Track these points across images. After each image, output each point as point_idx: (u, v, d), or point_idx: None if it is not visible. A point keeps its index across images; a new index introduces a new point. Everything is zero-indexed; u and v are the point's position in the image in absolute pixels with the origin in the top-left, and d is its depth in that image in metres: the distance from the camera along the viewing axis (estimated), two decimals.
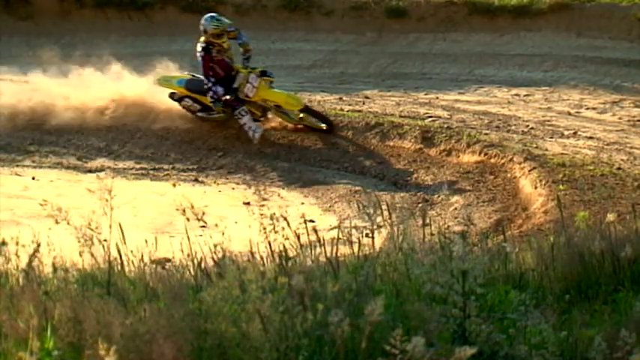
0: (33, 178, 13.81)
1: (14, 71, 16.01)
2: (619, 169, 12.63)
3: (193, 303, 5.17)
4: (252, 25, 17.15)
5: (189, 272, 5.79)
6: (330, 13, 18.01)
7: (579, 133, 13.93)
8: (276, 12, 18.14)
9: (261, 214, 5.74)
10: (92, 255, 5.69)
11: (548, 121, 14.39)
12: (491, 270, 6.04)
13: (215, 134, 14.77)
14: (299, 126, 14.43)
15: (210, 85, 14.18)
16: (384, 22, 17.77)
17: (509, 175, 12.70)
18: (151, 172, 14.23)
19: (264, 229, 5.73)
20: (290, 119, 14.38)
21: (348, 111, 14.82)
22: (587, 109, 14.79)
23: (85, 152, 14.77)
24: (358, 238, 6.16)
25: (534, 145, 13.40)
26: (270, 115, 14.54)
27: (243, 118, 14.25)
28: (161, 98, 14.91)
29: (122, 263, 5.82)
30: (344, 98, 15.38)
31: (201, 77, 14.33)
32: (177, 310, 5.12)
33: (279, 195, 13.06)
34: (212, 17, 14.42)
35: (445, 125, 14.09)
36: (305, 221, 6.17)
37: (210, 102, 14.34)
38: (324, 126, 14.28)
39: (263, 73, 14.40)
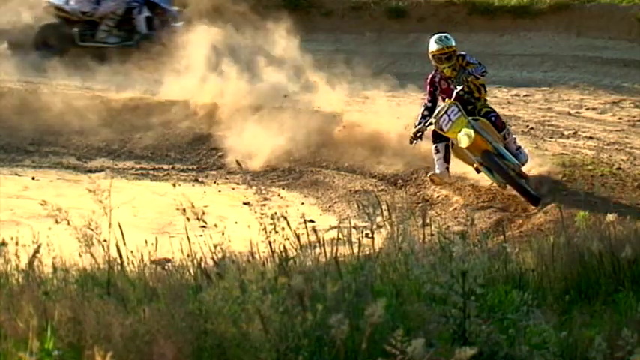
0: (33, 178, 13.81)
1: None
2: (619, 169, 12.63)
3: (193, 303, 5.17)
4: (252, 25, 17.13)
5: (189, 272, 5.79)
6: (330, 13, 18.02)
7: (579, 133, 13.93)
8: (277, 12, 18.13)
9: (262, 214, 5.74)
10: (92, 255, 5.69)
11: (548, 121, 14.40)
12: (491, 270, 6.04)
13: (215, 134, 14.77)
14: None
15: (421, 109, 12.28)
16: (384, 22, 17.78)
17: None
18: (151, 172, 14.23)
19: (264, 229, 5.73)
20: (494, 179, 12.06)
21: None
22: (587, 109, 14.79)
23: (85, 152, 14.77)
24: (358, 238, 6.16)
25: (534, 145, 13.40)
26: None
27: (435, 155, 12.26)
28: None
29: (122, 263, 5.82)
30: (344, 98, 15.37)
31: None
32: (177, 310, 5.12)
33: (279, 195, 13.06)
34: (437, 37, 12.33)
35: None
36: (305, 221, 6.16)
37: None
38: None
39: (486, 115, 12.13)
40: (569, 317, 5.83)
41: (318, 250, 6.00)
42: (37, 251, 5.68)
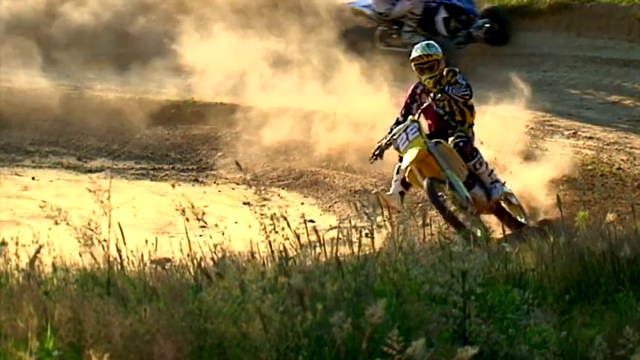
0: (33, 178, 13.82)
1: None
2: (619, 169, 12.63)
3: (193, 303, 5.17)
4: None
5: (189, 272, 5.79)
6: None
7: (579, 133, 13.93)
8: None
9: (262, 214, 5.74)
10: (92, 255, 5.69)
11: (548, 121, 14.38)
12: (491, 270, 6.05)
13: (215, 134, 14.77)
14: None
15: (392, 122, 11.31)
16: None
17: (509, 175, 12.68)
18: (151, 172, 14.24)
19: (264, 229, 5.73)
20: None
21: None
22: (587, 109, 14.78)
23: (85, 152, 14.78)
24: (358, 238, 6.16)
25: (534, 145, 13.40)
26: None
27: (395, 175, 11.18)
28: None
29: (122, 263, 5.83)
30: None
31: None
32: (177, 310, 5.12)
33: (279, 195, 13.06)
34: (420, 44, 11.42)
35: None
36: (305, 221, 6.16)
37: None
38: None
39: (456, 139, 11.09)
40: (569, 317, 5.83)
41: (318, 250, 6.00)
42: (37, 251, 5.68)
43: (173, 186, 13.52)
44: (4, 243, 5.76)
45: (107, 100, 15.60)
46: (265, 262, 5.70)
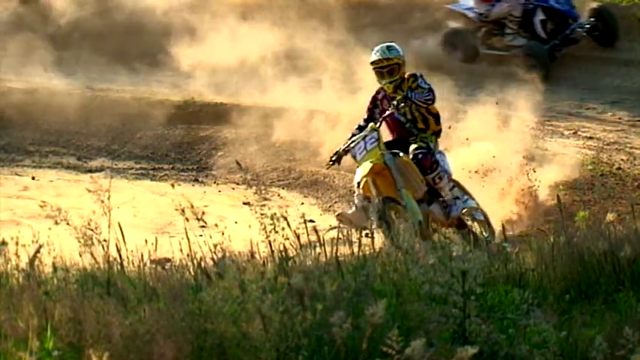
0: (33, 178, 13.83)
1: None
2: (619, 169, 12.64)
3: (193, 303, 5.17)
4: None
5: (189, 272, 5.79)
6: None
7: (579, 133, 13.93)
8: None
9: (262, 214, 5.74)
10: (92, 255, 5.69)
11: (548, 121, 14.39)
12: (492, 270, 6.05)
13: (215, 134, 14.77)
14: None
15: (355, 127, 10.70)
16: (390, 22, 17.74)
17: (509, 175, 12.70)
18: (151, 172, 14.25)
19: (264, 229, 5.73)
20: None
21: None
22: (587, 109, 14.78)
23: (85, 152, 14.79)
24: (358, 238, 6.17)
25: (534, 145, 13.39)
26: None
27: (356, 189, 10.49)
28: None
29: (122, 263, 5.83)
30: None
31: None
32: (177, 310, 5.12)
33: (279, 195, 13.07)
34: (379, 46, 10.66)
35: (447, 125, 14.04)
36: (305, 221, 6.16)
37: None
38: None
39: (415, 150, 10.45)
40: (569, 317, 5.84)
41: (318, 250, 6.01)
42: (37, 251, 5.68)
43: (173, 186, 13.52)
44: (4, 243, 5.76)
45: (107, 100, 15.61)
46: (265, 262, 5.70)
